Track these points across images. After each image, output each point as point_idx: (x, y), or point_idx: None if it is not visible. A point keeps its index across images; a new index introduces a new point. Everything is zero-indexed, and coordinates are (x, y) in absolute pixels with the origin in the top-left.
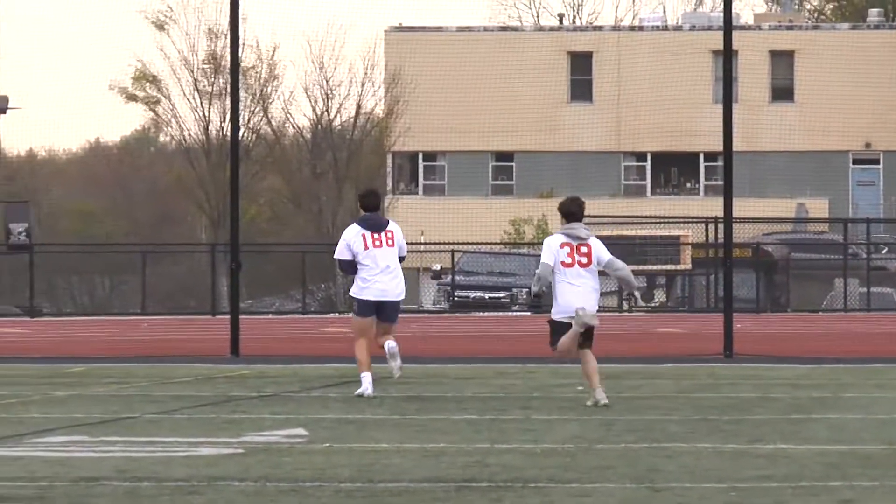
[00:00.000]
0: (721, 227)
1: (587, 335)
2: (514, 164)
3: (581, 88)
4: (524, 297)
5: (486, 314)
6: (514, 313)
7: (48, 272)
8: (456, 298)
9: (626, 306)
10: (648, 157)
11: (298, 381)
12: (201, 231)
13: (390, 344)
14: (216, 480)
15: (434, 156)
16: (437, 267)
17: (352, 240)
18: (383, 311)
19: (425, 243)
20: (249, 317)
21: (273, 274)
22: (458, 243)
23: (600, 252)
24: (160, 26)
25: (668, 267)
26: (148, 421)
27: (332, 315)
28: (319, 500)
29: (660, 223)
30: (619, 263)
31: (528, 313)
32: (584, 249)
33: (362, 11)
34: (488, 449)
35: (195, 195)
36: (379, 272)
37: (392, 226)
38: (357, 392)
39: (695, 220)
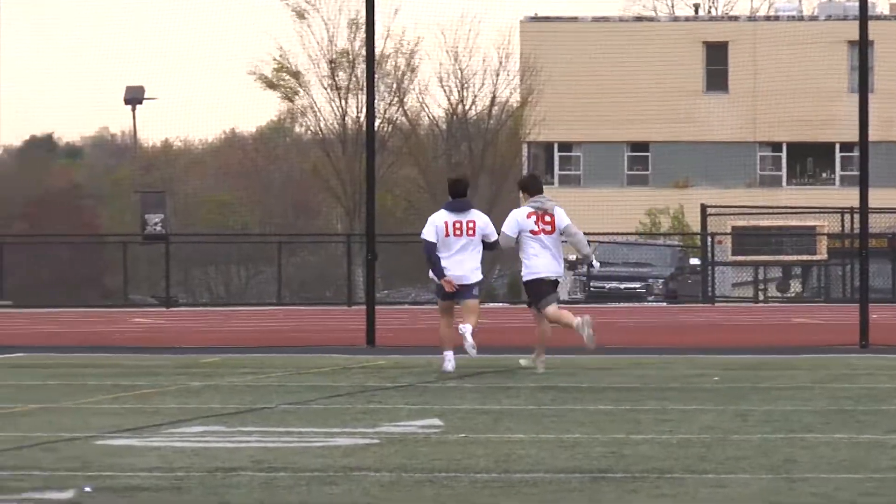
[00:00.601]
0: (857, 217)
1: (547, 297)
2: (649, 154)
3: (716, 78)
4: (660, 287)
5: (622, 305)
6: (650, 304)
7: (184, 262)
8: (591, 289)
9: (761, 297)
10: (784, 148)
11: (434, 371)
12: (337, 221)
13: (463, 326)
14: (352, 470)
15: (570, 146)
16: (572, 257)
17: (439, 223)
18: (459, 293)
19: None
20: (385, 307)
21: (409, 264)
22: (593, 234)
23: (562, 219)
24: (301, 15)
25: (804, 257)
26: (283, 411)
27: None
28: (455, 490)
29: (795, 213)
30: (574, 229)
31: (664, 304)
32: (547, 218)
33: (497, 1)
34: (624, 439)
35: (331, 185)
36: (451, 256)
37: (474, 214)
38: (441, 369)
39: (831, 210)
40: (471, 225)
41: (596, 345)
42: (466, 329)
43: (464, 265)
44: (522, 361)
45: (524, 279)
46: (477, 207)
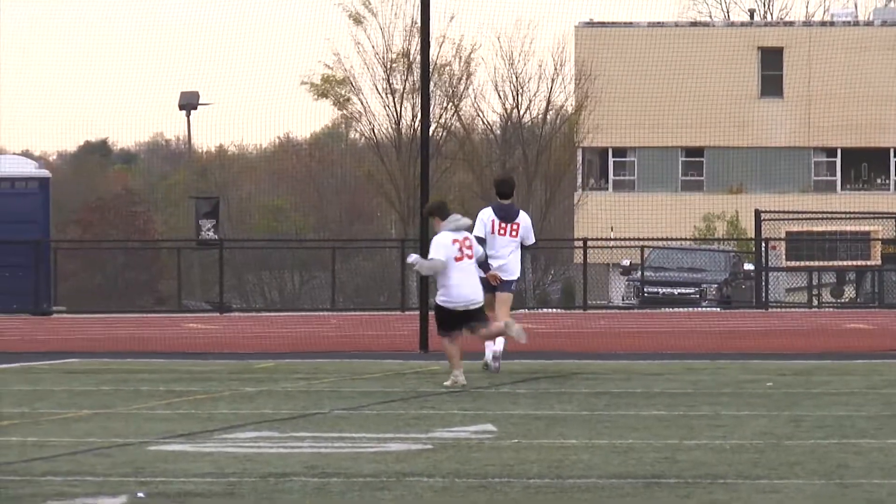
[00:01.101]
0: None
1: (478, 318)
2: (704, 159)
3: (771, 84)
4: (714, 292)
5: (676, 310)
6: (704, 309)
7: (238, 268)
8: (645, 294)
9: (815, 302)
10: (839, 153)
11: (487, 377)
12: (391, 226)
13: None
14: (405, 476)
15: (624, 151)
16: (626, 262)
17: (486, 220)
18: (499, 285)
19: (615, 239)
20: None
21: None
22: (647, 239)
23: (477, 245)
24: (357, 20)
25: (858, 263)
26: (337, 416)
27: (521, 310)
28: (508, 495)
29: (850, 219)
30: (482, 257)
31: (718, 309)
32: (468, 243)
33: (553, 7)
34: (677, 445)
35: (385, 190)
36: (497, 255)
37: (520, 218)
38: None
39: (885, 215)
40: (515, 227)
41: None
42: (500, 344)
43: (506, 264)
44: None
45: (441, 304)
46: (523, 209)
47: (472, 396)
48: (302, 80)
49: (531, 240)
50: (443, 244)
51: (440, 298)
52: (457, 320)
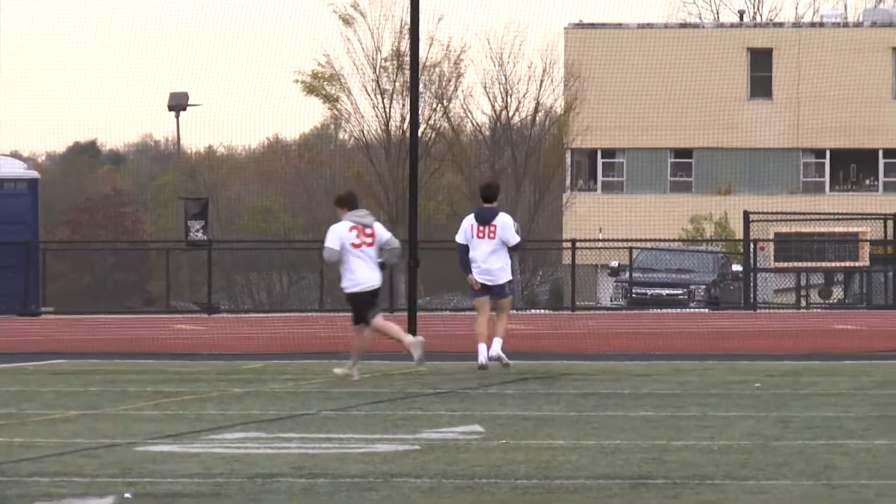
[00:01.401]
0: None
1: (373, 308)
2: (692, 160)
3: (761, 85)
4: (702, 294)
5: (664, 311)
6: (692, 310)
7: (226, 268)
8: (633, 295)
9: (803, 303)
10: (827, 154)
11: (475, 377)
12: None
13: (492, 352)
14: (392, 477)
15: (613, 152)
16: (614, 264)
17: (466, 227)
18: (491, 291)
19: (603, 240)
20: (427, 313)
21: (451, 270)
22: (635, 240)
23: (382, 232)
24: (347, 21)
25: (846, 264)
26: (324, 417)
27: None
28: (495, 496)
29: (838, 220)
30: (395, 241)
31: (706, 310)
32: (368, 231)
33: (542, 8)
34: (665, 446)
35: (374, 192)
36: (479, 259)
37: (497, 219)
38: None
39: (873, 216)
40: (493, 229)
41: (424, 366)
42: (496, 346)
43: (491, 268)
44: (337, 371)
45: (347, 291)
46: (507, 211)
47: (460, 397)
48: (295, 78)
49: (513, 240)
50: (338, 232)
51: (344, 285)
52: (364, 305)
